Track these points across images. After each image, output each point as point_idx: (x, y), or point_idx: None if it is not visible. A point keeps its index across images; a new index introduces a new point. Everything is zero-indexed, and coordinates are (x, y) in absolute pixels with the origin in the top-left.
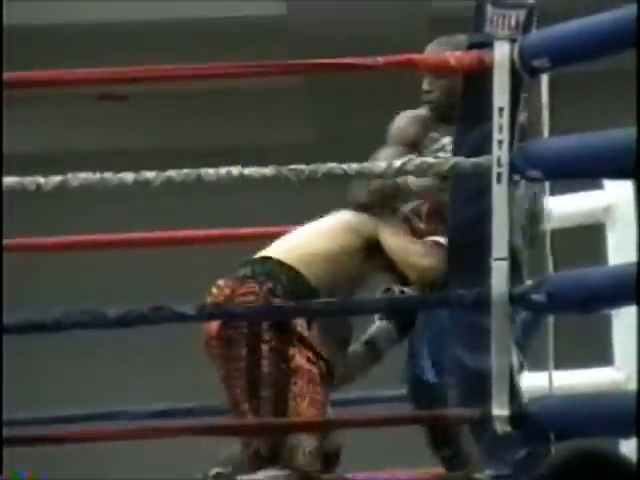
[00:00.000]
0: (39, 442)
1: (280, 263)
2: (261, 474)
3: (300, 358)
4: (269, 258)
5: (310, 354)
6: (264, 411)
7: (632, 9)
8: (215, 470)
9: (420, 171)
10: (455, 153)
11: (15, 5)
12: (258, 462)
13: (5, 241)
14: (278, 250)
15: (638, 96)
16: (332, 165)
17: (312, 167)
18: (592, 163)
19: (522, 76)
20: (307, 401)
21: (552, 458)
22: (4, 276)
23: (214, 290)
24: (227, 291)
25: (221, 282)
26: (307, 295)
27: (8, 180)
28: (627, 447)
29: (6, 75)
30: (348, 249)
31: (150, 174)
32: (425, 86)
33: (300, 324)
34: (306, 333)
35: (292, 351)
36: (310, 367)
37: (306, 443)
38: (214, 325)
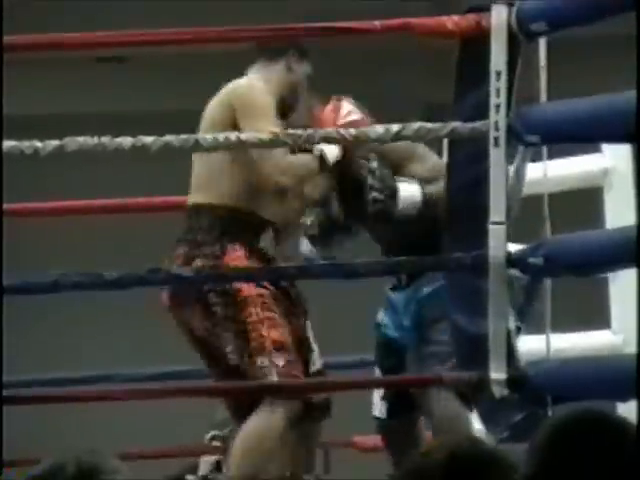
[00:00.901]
0: (43, 401)
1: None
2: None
3: (248, 288)
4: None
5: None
6: (235, 352)
7: None
8: (211, 433)
9: (418, 136)
10: (453, 117)
11: None
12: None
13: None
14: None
15: (638, 62)
16: (329, 130)
17: (310, 132)
18: (590, 127)
19: (519, 40)
20: (266, 324)
21: (551, 420)
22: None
23: None
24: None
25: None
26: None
27: (6, 144)
28: (624, 410)
29: (7, 38)
30: None
31: (148, 139)
32: None
33: (238, 255)
34: (246, 262)
35: (234, 286)
36: (260, 291)
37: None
38: (164, 295)
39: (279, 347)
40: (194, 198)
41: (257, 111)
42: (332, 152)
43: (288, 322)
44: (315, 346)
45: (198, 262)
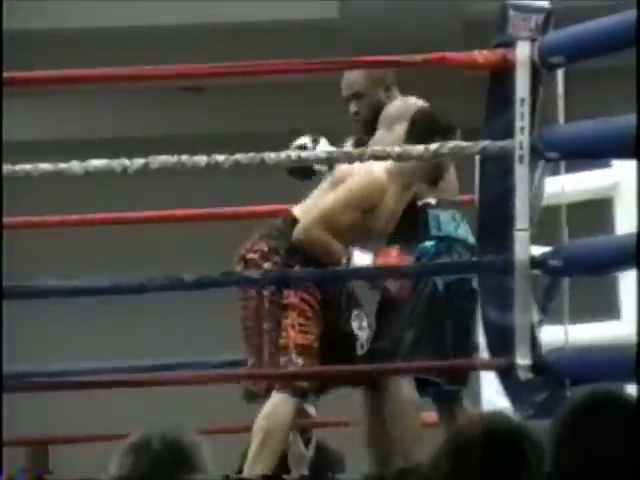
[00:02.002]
0: (61, 388)
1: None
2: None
3: (294, 297)
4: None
5: (305, 295)
6: (268, 345)
7: (632, 13)
8: None
9: (453, 154)
10: (483, 138)
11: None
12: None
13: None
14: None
15: (638, 87)
16: (377, 149)
17: (360, 150)
18: (602, 145)
19: (541, 71)
20: (296, 329)
21: (570, 399)
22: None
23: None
24: (241, 251)
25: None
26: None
27: (100, 162)
28: (631, 390)
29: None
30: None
31: (220, 157)
32: (352, 108)
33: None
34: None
35: (286, 292)
36: (302, 305)
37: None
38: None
39: (301, 350)
40: (297, 210)
41: None
42: None
43: (324, 328)
44: (363, 334)
45: (266, 265)
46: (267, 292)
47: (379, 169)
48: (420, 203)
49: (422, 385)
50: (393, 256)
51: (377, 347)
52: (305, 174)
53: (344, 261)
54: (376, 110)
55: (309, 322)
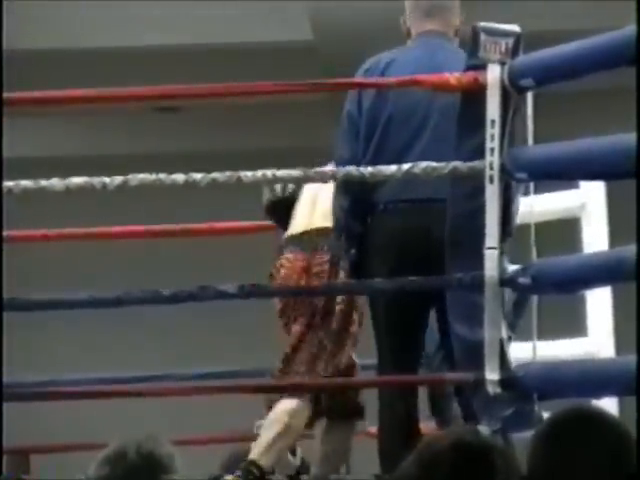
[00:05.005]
0: (78, 397)
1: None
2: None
3: (355, 325)
4: (321, 228)
5: (357, 316)
6: (322, 365)
7: (600, 39)
8: (261, 421)
9: (426, 173)
10: (455, 159)
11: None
12: None
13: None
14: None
15: (638, 105)
16: (351, 168)
17: (334, 170)
18: (570, 167)
19: (511, 93)
20: (349, 362)
21: (550, 417)
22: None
23: (285, 262)
24: (302, 263)
25: (290, 256)
26: None
27: (78, 180)
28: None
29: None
30: None
31: (197, 175)
32: None
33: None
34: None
35: (355, 316)
36: (357, 330)
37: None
38: (277, 303)
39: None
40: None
41: None
42: None
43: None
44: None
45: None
46: (338, 308)
47: None
48: None
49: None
50: None
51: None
52: (282, 212)
53: None
54: None
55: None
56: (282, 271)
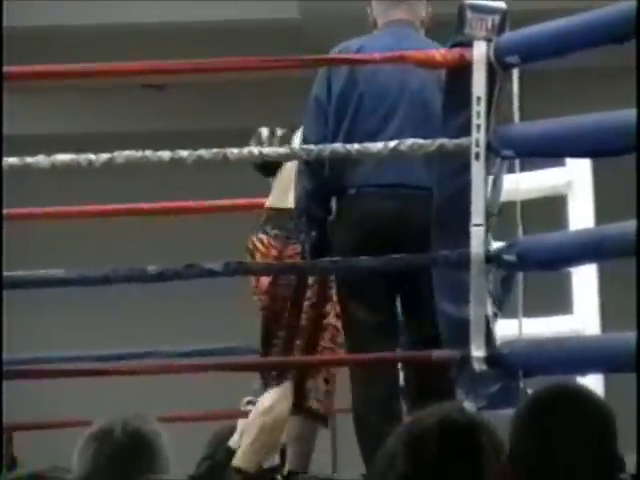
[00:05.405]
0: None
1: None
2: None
3: (332, 316)
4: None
5: (337, 308)
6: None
7: (587, 16)
8: (247, 398)
9: (412, 150)
10: (441, 136)
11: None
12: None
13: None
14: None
15: (638, 82)
16: (336, 145)
17: (320, 147)
18: (556, 144)
19: (497, 70)
20: (327, 354)
21: (532, 394)
22: None
23: (259, 245)
24: (274, 252)
25: (264, 238)
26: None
27: (64, 157)
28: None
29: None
30: None
31: (184, 152)
32: None
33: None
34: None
35: (328, 308)
36: (336, 322)
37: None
38: (264, 282)
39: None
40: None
41: None
42: None
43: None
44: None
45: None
46: (307, 303)
47: None
48: None
49: None
50: None
51: None
52: (270, 170)
53: None
54: None
55: (337, 342)
56: (257, 255)
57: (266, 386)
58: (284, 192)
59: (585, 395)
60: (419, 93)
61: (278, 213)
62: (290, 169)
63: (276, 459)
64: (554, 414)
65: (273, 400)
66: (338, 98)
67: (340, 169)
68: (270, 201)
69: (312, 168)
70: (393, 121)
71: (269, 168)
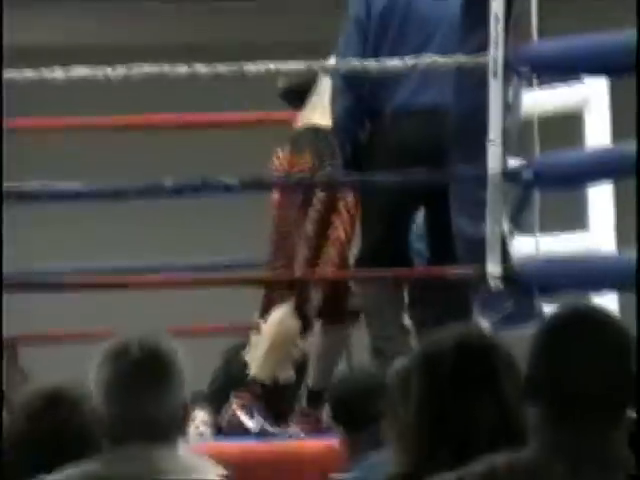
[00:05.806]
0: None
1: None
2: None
3: (340, 229)
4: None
5: (349, 225)
6: (298, 267)
7: None
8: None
9: (433, 67)
10: (460, 52)
11: None
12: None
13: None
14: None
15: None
16: (356, 62)
17: (338, 63)
18: (573, 61)
19: None
20: (330, 267)
21: (553, 314)
22: None
23: (275, 160)
24: (286, 165)
25: (280, 153)
26: None
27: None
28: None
29: None
30: None
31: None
32: None
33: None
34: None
35: (335, 219)
36: (344, 237)
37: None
38: (275, 194)
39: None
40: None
41: None
42: None
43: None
44: None
45: None
46: (314, 214)
47: None
48: None
49: None
50: None
51: None
52: (296, 99)
53: None
54: None
55: (345, 256)
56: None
57: (269, 301)
58: (320, 110)
59: (604, 317)
60: (457, 19)
61: (308, 130)
62: (324, 90)
63: (291, 372)
64: (573, 337)
65: (283, 313)
66: (378, 19)
67: (374, 90)
68: (303, 118)
69: (350, 84)
70: (433, 44)
71: (298, 93)
